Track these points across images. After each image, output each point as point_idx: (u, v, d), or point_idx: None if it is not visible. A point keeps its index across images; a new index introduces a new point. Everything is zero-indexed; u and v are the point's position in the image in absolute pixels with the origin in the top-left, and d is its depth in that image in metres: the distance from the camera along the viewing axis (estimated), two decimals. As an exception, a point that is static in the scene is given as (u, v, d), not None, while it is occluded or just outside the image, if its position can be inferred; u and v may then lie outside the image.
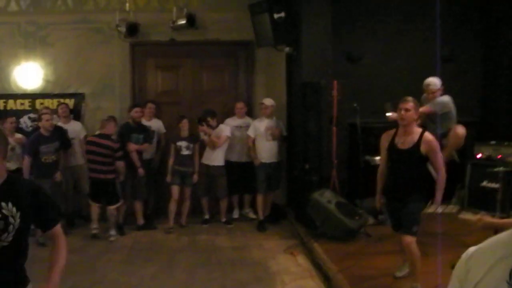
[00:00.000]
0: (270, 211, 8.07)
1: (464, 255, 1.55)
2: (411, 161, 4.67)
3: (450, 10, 8.19)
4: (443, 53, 8.25)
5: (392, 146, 4.78)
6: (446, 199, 7.70)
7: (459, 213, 5.63)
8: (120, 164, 7.29)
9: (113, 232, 7.25)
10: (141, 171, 7.50)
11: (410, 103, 4.59)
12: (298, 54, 7.74)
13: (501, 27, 8.39)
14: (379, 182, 5.02)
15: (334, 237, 6.40)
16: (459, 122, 7.45)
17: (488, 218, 4.07)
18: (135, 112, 7.63)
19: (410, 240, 4.58)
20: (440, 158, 4.64)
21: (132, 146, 7.47)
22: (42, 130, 7.11)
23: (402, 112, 4.61)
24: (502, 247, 1.44)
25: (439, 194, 4.72)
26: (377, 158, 7.89)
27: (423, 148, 4.58)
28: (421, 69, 8.13)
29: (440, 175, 4.65)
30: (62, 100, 8.18)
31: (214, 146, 7.73)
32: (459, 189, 7.88)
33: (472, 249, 1.53)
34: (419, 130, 4.70)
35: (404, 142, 4.67)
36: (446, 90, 7.86)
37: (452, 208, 6.18)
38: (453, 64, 8.29)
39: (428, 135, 4.63)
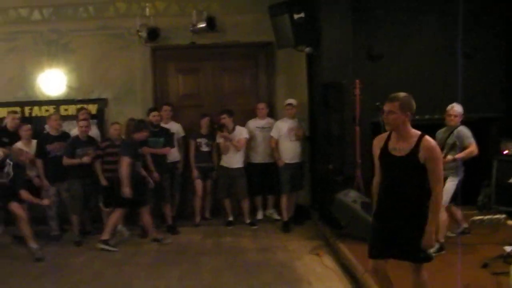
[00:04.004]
0: (294, 212, 8.06)
1: None
2: (407, 172, 3.82)
3: (471, 5, 8.08)
4: (465, 49, 8.16)
5: (384, 153, 3.93)
6: (471, 198, 7.69)
7: (507, 219, 5.38)
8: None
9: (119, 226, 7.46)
10: (156, 175, 7.48)
11: (395, 102, 3.77)
12: (318, 54, 7.72)
13: (523, 21, 8.27)
14: (374, 197, 4.16)
15: (359, 237, 6.36)
16: (482, 118, 7.40)
17: None
18: (153, 116, 7.69)
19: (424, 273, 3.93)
20: (440, 170, 3.74)
21: (145, 150, 7.47)
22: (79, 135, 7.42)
23: (385, 114, 3.86)
24: None
25: (431, 224, 3.74)
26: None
27: (421, 156, 3.73)
28: (443, 66, 8.07)
29: (436, 192, 3.72)
30: (86, 106, 8.31)
31: (227, 151, 7.82)
32: (485, 186, 7.79)
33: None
34: (417, 133, 3.83)
35: (399, 148, 3.84)
36: (469, 86, 7.81)
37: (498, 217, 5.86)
38: (475, 60, 8.19)
39: (428, 140, 3.76)
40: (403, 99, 3.81)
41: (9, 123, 7.74)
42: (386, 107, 3.82)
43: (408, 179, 3.81)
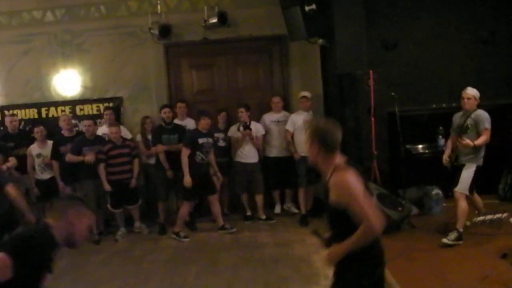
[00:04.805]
0: (312, 205, 8.01)
1: None
2: (332, 221, 3.10)
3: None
4: (482, 35, 8.03)
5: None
6: (492, 187, 7.58)
7: (510, 217, 5.28)
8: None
9: (137, 224, 7.66)
10: (170, 173, 7.54)
11: (307, 130, 3.12)
12: (332, 45, 7.65)
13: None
14: None
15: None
16: (501, 105, 7.28)
17: None
18: (164, 113, 7.69)
19: None
20: (360, 207, 2.79)
21: (159, 148, 7.53)
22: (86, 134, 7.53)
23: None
24: None
25: (346, 245, 2.89)
26: (419, 146, 7.80)
27: (332, 198, 2.92)
28: (459, 53, 7.94)
29: (364, 225, 2.79)
30: (102, 105, 8.42)
31: (241, 145, 7.82)
32: (505, 174, 7.67)
33: None
34: (334, 166, 2.99)
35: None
36: (486, 73, 7.68)
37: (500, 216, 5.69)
38: (492, 45, 8.05)
39: (337, 175, 2.92)
40: (315, 127, 3.10)
41: (9, 126, 7.81)
42: (306, 142, 3.13)
43: (336, 230, 3.10)
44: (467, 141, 5.84)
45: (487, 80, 7.69)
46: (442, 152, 6.64)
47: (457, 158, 6.14)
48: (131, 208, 7.62)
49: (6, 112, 8.33)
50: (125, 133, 8.05)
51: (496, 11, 8.07)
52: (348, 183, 2.86)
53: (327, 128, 3.04)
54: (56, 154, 7.50)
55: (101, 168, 7.33)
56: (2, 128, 8.28)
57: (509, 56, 8.16)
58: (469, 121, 6.00)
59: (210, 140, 7.37)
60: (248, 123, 7.73)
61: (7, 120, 7.89)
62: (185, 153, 7.13)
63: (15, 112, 8.21)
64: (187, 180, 7.07)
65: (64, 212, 2.77)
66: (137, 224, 7.64)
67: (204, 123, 7.25)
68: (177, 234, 7.28)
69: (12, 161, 6.80)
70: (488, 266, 4.80)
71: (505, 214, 5.02)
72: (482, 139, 5.89)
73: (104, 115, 8.08)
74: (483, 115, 5.98)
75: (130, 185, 7.45)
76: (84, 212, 2.87)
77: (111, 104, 8.48)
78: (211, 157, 7.46)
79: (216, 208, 7.49)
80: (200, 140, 7.23)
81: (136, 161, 7.60)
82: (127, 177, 7.46)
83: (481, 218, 5.56)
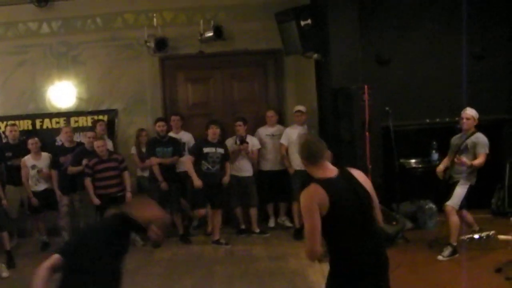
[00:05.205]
0: (306, 219, 8.00)
1: None
2: None
3: (481, 8, 8.02)
4: (474, 51, 8.11)
5: None
6: (485, 201, 7.64)
7: (497, 234, 5.31)
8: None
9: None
10: (164, 185, 7.54)
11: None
12: (326, 60, 7.70)
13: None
14: None
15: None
16: (494, 120, 7.34)
17: None
18: (158, 126, 7.69)
19: None
20: (308, 225, 3.06)
21: (153, 160, 7.54)
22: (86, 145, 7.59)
23: None
24: None
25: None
26: (413, 161, 7.84)
27: None
28: (452, 68, 8.02)
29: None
30: (96, 117, 8.37)
31: (235, 159, 7.80)
32: (498, 189, 7.73)
33: None
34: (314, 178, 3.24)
35: None
36: (479, 88, 7.74)
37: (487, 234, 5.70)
38: (484, 61, 8.14)
39: (304, 191, 3.17)
40: (300, 145, 3.41)
41: (9, 135, 7.86)
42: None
43: None
44: (464, 159, 5.90)
45: (479, 96, 7.76)
46: (435, 166, 6.69)
47: (451, 177, 6.21)
48: None
49: (3, 123, 8.37)
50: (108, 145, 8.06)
51: (487, 27, 8.16)
52: (301, 201, 3.11)
53: (304, 143, 3.35)
54: (55, 163, 7.53)
55: (87, 182, 7.29)
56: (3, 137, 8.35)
57: (501, 72, 8.25)
58: (468, 142, 6.07)
59: (219, 150, 7.40)
60: (244, 137, 7.75)
61: (8, 129, 7.93)
62: (188, 159, 7.32)
63: (15, 122, 8.24)
64: (197, 183, 7.17)
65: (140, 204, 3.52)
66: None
67: (212, 132, 7.31)
68: (217, 241, 7.45)
69: None
70: (483, 279, 4.83)
71: (492, 232, 5.04)
72: (479, 161, 5.95)
73: (97, 126, 8.03)
74: (482, 140, 6.04)
75: (123, 198, 7.35)
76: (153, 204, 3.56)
77: (105, 117, 8.47)
78: (226, 167, 7.54)
79: (217, 221, 7.51)
80: (205, 149, 7.27)
81: (125, 174, 7.52)
82: (116, 191, 7.40)
83: (469, 235, 5.59)
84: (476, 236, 5.54)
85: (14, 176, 7.58)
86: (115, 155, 7.60)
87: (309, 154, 3.24)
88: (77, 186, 7.43)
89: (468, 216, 6.36)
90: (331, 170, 3.23)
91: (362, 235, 3.14)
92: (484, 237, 5.12)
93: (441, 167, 6.42)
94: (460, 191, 6.03)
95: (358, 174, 3.32)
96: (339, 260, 3.18)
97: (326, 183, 3.10)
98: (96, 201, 7.28)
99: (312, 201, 3.04)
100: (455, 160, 6.04)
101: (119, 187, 7.43)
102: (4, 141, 8.25)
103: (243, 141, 7.70)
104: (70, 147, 7.69)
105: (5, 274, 6.54)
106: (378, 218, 3.34)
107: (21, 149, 7.66)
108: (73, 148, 7.66)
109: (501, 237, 5.01)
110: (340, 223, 3.10)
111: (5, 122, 8.41)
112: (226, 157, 7.55)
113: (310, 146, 3.26)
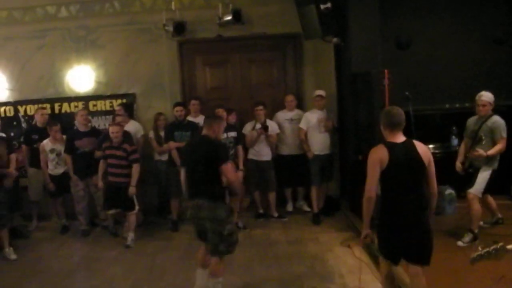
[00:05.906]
0: (324, 203, 8.02)
1: None
2: None
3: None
4: (496, 35, 7.99)
5: None
6: (505, 188, 7.56)
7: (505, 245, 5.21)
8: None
9: (131, 235, 7.16)
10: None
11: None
12: (346, 44, 7.65)
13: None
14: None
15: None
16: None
17: None
18: (176, 111, 7.63)
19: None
20: (369, 174, 4.05)
21: (171, 144, 7.50)
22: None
23: None
24: None
25: None
26: (433, 146, 7.77)
27: None
28: (473, 52, 7.91)
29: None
30: (116, 101, 8.48)
31: (253, 144, 7.78)
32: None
33: None
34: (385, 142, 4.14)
35: None
36: (498, 72, 7.63)
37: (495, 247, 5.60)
38: (507, 46, 8.02)
39: (373, 148, 4.14)
40: (384, 112, 4.17)
41: (39, 119, 7.94)
42: None
43: None
44: (480, 152, 5.82)
45: (500, 81, 7.66)
46: (455, 152, 6.63)
47: (471, 165, 6.13)
48: (129, 214, 7.15)
49: (22, 106, 8.51)
50: (138, 129, 8.11)
51: (509, 11, 8.03)
52: (369, 155, 3.98)
53: (388, 111, 4.10)
54: (69, 148, 7.53)
55: (100, 163, 7.19)
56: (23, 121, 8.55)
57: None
58: (484, 128, 5.96)
59: (230, 133, 7.36)
60: (265, 123, 7.74)
61: (38, 113, 8.01)
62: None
63: (45, 105, 8.37)
64: None
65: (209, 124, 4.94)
66: (131, 235, 7.14)
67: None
68: (236, 225, 7.02)
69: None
70: (503, 266, 4.77)
71: (500, 244, 4.99)
72: (496, 148, 5.83)
73: (117, 111, 8.07)
74: (499, 123, 5.90)
75: (126, 190, 7.00)
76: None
77: (124, 101, 8.52)
78: (238, 151, 7.46)
79: (235, 206, 7.44)
80: None
81: (134, 167, 7.04)
82: (120, 181, 7.02)
83: (477, 253, 5.49)
84: (483, 252, 5.47)
85: (38, 159, 7.68)
86: (126, 145, 7.08)
87: (390, 122, 4.02)
88: (93, 170, 7.44)
89: (492, 202, 6.30)
90: (399, 138, 4.01)
91: (409, 193, 3.95)
92: (493, 252, 5.05)
93: (459, 164, 6.30)
94: (482, 178, 5.95)
95: (420, 146, 4.02)
96: (387, 212, 4.04)
97: (390, 146, 3.95)
98: (100, 184, 7.19)
99: (376, 156, 3.92)
100: (470, 155, 5.97)
101: (126, 178, 7.00)
102: (32, 123, 8.40)
103: (265, 128, 7.66)
104: (84, 131, 7.62)
105: (13, 256, 6.65)
106: (433, 185, 4.08)
107: (47, 132, 7.68)
108: (88, 132, 7.63)
109: (510, 246, 4.96)
110: (393, 179, 3.94)
111: (24, 106, 8.55)
112: (238, 141, 7.51)
113: (393, 116, 4.02)
